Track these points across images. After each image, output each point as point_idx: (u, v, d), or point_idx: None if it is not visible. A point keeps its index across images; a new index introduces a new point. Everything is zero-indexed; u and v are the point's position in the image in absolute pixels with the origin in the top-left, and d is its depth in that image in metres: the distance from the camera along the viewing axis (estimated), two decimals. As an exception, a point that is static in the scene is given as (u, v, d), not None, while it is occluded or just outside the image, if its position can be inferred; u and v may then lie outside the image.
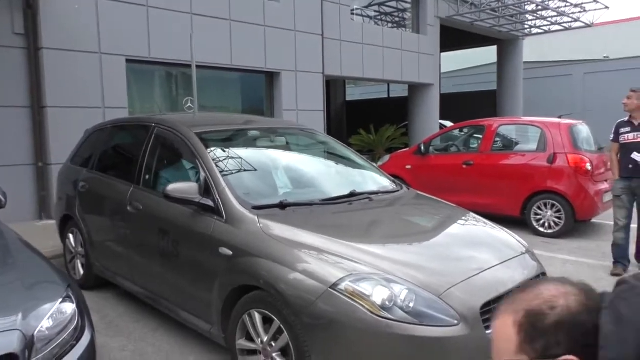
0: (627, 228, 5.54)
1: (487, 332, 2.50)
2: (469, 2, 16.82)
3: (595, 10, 17.80)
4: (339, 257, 2.69)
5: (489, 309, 2.59)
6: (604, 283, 5.22)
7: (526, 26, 19.54)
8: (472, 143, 8.54)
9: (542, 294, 0.93)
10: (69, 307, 2.47)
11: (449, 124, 15.85)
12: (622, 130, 5.49)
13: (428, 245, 3.20)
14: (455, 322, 2.47)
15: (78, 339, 2.43)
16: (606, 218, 7.04)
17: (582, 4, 17.36)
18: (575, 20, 18.40)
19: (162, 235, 3.59)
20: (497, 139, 8.09)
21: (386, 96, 25.85)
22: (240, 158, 3.79)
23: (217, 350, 3.53)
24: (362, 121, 18.87)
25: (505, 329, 0.93)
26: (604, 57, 25.85)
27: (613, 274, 5.44)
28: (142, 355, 3.65)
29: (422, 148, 8.53)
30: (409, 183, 7.01)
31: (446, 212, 3.83)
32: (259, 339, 2.86)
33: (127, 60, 8.63)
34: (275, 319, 2.73)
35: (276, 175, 3.92)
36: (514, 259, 3.12)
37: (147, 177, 4.00)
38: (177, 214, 3.45)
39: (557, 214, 7.05)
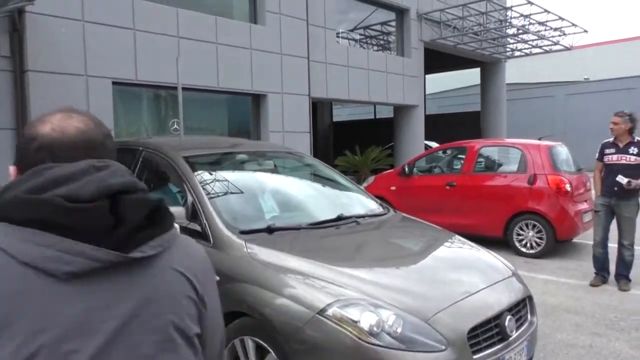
0: (604, 242, 5.81)
1: (475, 357, 2.55)
2: (451, 26, 17.18)
3: (574, 33, 18.27)
4: (326, 282, 2.68)
5: (476, 334, 2.62)
6: (584, 302, 5.32)
7: (508, 49, 19.96)
8: (455, 164, 8.69)
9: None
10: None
11: (434, 144, 16.05)
12: (607, 151, 5.71)
13: (415, 269, 3.19)
14: (443, 347, 2.47)
15: None
16: (587, 238, 7.17)
17: (562, 27, 17.81)
18: (555, 44, 18.84)
19: None
20: (479, 160, 8.24)
21: (373, 117, 26.13)
22: (228, 182, 3.79)
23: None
24: (349, 142, 19.04)
25: None
26: (585, 79, 26.44)
27: (592, 284, 5.84)
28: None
29: (407, 169, 8.65)
30: (394, 204, 7.09)
31: (432, 235, 3.86)
32: None
33: (114, 83, 8.68)
34: (265, 345, 2.71)
35: (263, 199, 3.92)
36: (500, 282, 3.14)
37: None
38: None
39: (538, 235, 7.17)
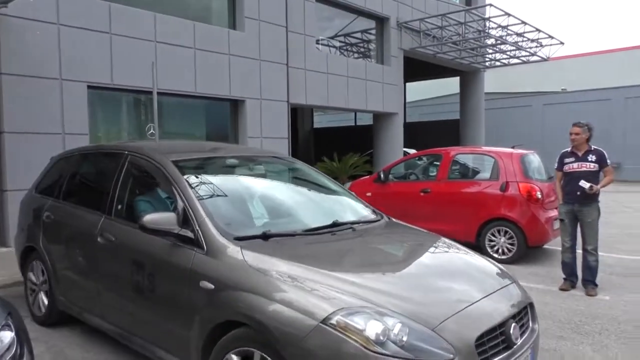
0: (572, 248, 5.95)
1: None
2: (431, 35, 17.40)
3: (551, 45, 18.63)
4: (328, 290, 2.59)
5: (482, 342, 2.56)
6: (552, 307, 5.41)
7: (486, 59, 20.26)
8: (431, 171, 8.77)
9: None
10: (7, 336, 2.45)
11: (413, 152, 16.20)
12: (567, 160, 5.87)
13: (418, 276, 3.10)
14: (451, 356, 2.39)
15: (16, 368, 2.41)
16: (557, 244, 7.26)
17: (539, 39, 18.15)
18: (533, 55, 19.19)
19: (137, 268, 3.39)
20: (454, 168, 8.34)
21: (353, 124, 26.26)
22: (219, 187, 3.65)
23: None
24: (329, 148, 19.11)
25: None
26: (562, 89, 26.90)
27: (561, 289, 5.98)
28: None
29: (382, 176, 8.71)
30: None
31: (431, 243, 3.77)
32: None
33: (89, 87, 8.62)
34: (265, 356, 2.59)
35: (257, 204, 3.79)
36: (503, 289, 3.10)
37: (120, 207, 3.80)
38: (153, 245, 3.28)
39: (510, 241, 7.27)
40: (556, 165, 6.02)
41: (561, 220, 5.97)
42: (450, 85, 23.61)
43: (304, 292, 2.60)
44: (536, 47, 18.77)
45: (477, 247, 7.49)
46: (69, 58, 8.31)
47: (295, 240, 3.25)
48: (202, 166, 3.99)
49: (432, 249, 3.64)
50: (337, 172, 16.05)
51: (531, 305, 3.19)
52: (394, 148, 16.81)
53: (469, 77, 21.49)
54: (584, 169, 5.74)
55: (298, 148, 20.93)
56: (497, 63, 20.74)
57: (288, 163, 4.75)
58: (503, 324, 2.73)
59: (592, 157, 5.76)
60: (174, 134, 10.37)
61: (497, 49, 18.98)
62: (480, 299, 2.84)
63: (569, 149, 5.93)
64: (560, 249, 6.19)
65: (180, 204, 3.26)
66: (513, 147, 8.29)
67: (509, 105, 25.17)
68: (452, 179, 8.19)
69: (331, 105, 14.58)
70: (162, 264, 3.23)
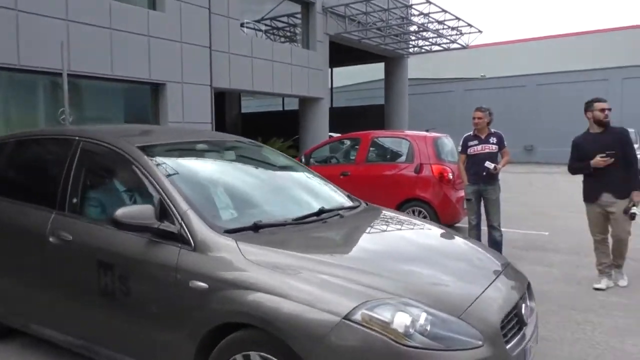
0: (478, 226, 6.33)
1: (507, 347, 2.46)
2: (356, 20, 17.64)
3: (470, 33, 19.41)
4: (342, 282, 2.39)
5: (504, 324, 2.52)
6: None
7: (410, 45, 20.82)
8: (350, 155, 8.99)
9: None
10: None
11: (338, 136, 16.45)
12: (471, 143, 6.21)
13: (428, 263, 2.94)
14: (480, 342, 2.29)
15: None
16: (467, 222, 7.72)
17: (458, 27, 18.86)
18: (453, 42, 19.92)
19: (104, 270, 2.98)
20: (372, 151, 8.58)
21: (281, 109, 26.24)
22: (196, 175, 3.35)
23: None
24: (257, 133, 18.94)
25: None
26: (481, 76, 28.13)
27: None
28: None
29: (303, 160, 8.83)
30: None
31: (422, 228, 3.70)
32: None
33: (-7, 67, 8.13)
34: None
35: (238, 193, 3.50)
36: (506, 270, 3.09)
37: (75, 200, 3.33)
38: (125, 243, 2.90)
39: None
40: (460, 148, 6.35)
41: (468, 199, 6.32)
42: (377, 70, 24.09)
43: (317, 286, 2.38)
44: (456, 35, 19.50)
45: (394, 227, 7.79)
46: (-32, 36, 7.79)
47: (287, 230, 2.99)
48: (171, 152, 3.57)
49: (427, 235, 3.56)
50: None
51: (529, 284, 3.17)
52: (319, 133, 17.00)
53: (393, 63, 22.01)
54: (487, 150, 6.11)
55: (226, 132, 20.65)
56: (420, 50, 21.36)
57: (256, 147, 4.40)
58: (516, 306, 2.72)
59: (493, 140, 6.15)
60: (89, 119, 9.97)
61: (420, 36, 19.55)
62: (493, 282, 2.79)
63: (471, 133, 6.28)
64: (467, 226, 6.57)
65: (155, 196, 2.89)
66: (427, 131, 8.65)
67: (432, 90, 26.05)
68: (370, 162, 8.44)
69: (256, 89, 14.52)
70: (138, 263, 2.86)
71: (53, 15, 8.88)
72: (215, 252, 2.65)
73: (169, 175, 3.01)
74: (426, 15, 17.68)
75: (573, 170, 5.31)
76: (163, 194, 2.88)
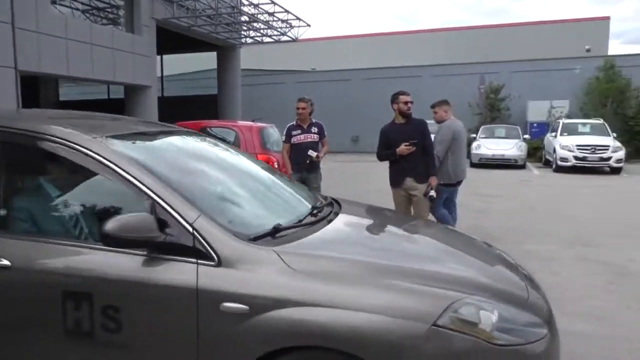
0: None
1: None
2: (184, 6, 17.06)
3: (299, 26, 19.99)
4: (413, 284, 2.20)
5: None
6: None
7: (242, 35, 20.79)
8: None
9: None
10: None
11: (168, 126, 15.83)
12: (294, 132, 6.39)
13: (464, 257, 2.85)
14: (545, 330, 2.26)
15: None
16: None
17: (288, 20, 19.30)
18: (283, 34, 20.35)
19: (74, 303, 2.29)
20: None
21: (106, 97, 24.45)
22: (188, 174, 2.75)
23: None
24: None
25: None
26: (312, 69, 29.22)
27: None
28: None
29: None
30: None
31: (416, 221, 3.68)
32: None
33: None
34: None
35: (236, 192, 2.98)
36: (505, 255, 3.11)
37: (8, 213, 2.54)
38: (108, 264, 2.29)
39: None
40: (284, 138, 6.51)
41: None
42: (212, 59, 23.67)
43: (389, 292, 2.14)
44: (286, 27, 19.94)
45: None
46: None
47: (304, 233, 2.58)
48: (144, 146, 2.89)
49: (429, 229, 3.50)
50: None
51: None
52: (148, 122, 16.18)
53: (226, 52, 21.79)
54: (309, 139, 6.35)
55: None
56: (251, 40, 21.47)
57: (210, 139, 3.77)
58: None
59: (314, 129, 6.41)
60: None
61: (251, 27, 19.61)
62: (515, 268, 2.82)
63: (294, 123, 6.46)
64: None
65: (146, 202, 2.30)
66: (253, 121, 8.72)
67: (265, 82, 26.37)
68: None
69: (72, 74, 13.27)
70: (132, 288, 2.25)
71: None
72: (250, 265, 2.20)
73: (160, 176, 2.40)
74: (256, 6, 17.78)
75: (380, 157, 5.73)
76: (160, 198, 2.29)
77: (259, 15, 18.35)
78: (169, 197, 2.29)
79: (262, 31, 20.22)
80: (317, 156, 6.27)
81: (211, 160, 3.26)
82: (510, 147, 17.12)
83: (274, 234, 2.40)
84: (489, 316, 2.14)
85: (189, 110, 20.85)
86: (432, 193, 5.46)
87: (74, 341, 2.32)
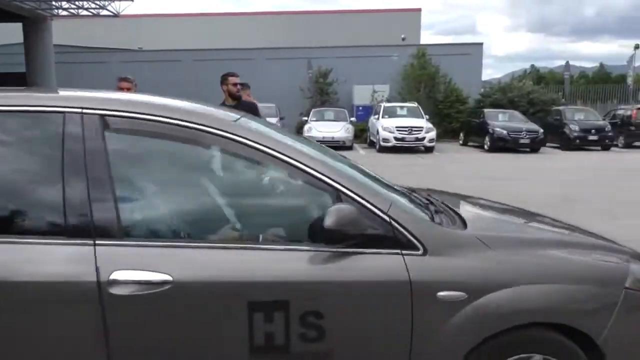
0: None
1: None
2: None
3: (121, 0, 18.58)
4: (594, 254, 2.42)
5: None
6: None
7: (52, 5, 18.68)
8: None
9: None
10: None
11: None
12: None
13: (579, 230, 2.93)
14: None
15: None
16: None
17: (108, -8, 17.83)
18: (102, 8, 18.75)
19: (265, 315, 2.01)
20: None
21: None
22: (336, 161, 2.51)
23: None
24: None
25: None
26: (139, 48, 27.49)
27: None
28: None
29: None
30: None
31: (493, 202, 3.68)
32: None
33: None
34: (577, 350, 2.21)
35: (371, 178, 2.68)
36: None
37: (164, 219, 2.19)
38: (297, 264, 2.05)
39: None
40: None
41: None
42: (17, 32, 20.92)
43: (583, 263, 2.33)
44: (106, 1, 18.39)
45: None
46: None
47: (452, 218, 2.60)
48: (295, 139, 2.61)
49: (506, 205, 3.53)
50: None
51: None
52: None
53: (34, 24, 19.41)
54: None
55: None
56: (65, 12, 19.42)
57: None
58: None
59: None
60: None
61: (64, -3, 17.72)
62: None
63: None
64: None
65: (330, 194, 2.18)
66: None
67: (85, 60, 24.19)
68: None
69: None
70: (337, 289, 2.06)
71: None
72: (456, 250, 2.17)
73: (334, 165, 2.32)
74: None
75: None
76: (346, 190, 2.12)
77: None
78: (358, 187, 2.17)
79: (77, 3, 18.37)
80: None
81: (319, 148, 2.86)
82: (339, 130, 17.97)
83: (433, 219, 2.37)
84: None
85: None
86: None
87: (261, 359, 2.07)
